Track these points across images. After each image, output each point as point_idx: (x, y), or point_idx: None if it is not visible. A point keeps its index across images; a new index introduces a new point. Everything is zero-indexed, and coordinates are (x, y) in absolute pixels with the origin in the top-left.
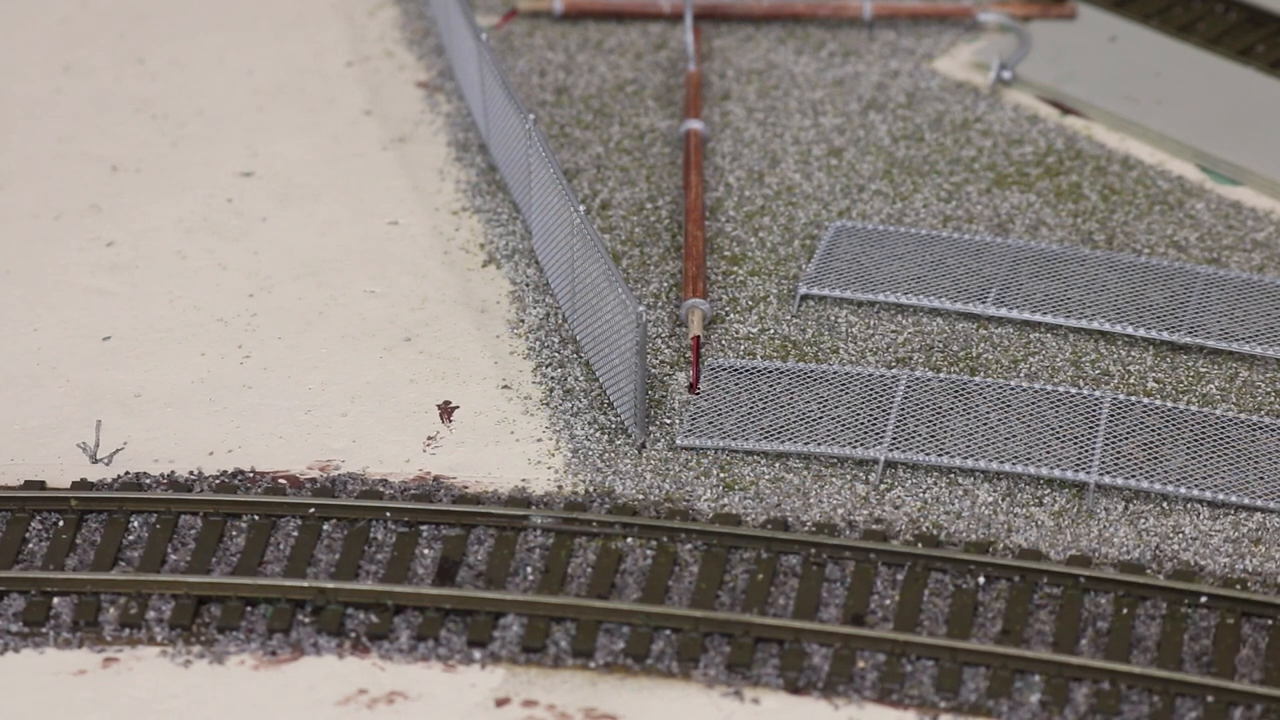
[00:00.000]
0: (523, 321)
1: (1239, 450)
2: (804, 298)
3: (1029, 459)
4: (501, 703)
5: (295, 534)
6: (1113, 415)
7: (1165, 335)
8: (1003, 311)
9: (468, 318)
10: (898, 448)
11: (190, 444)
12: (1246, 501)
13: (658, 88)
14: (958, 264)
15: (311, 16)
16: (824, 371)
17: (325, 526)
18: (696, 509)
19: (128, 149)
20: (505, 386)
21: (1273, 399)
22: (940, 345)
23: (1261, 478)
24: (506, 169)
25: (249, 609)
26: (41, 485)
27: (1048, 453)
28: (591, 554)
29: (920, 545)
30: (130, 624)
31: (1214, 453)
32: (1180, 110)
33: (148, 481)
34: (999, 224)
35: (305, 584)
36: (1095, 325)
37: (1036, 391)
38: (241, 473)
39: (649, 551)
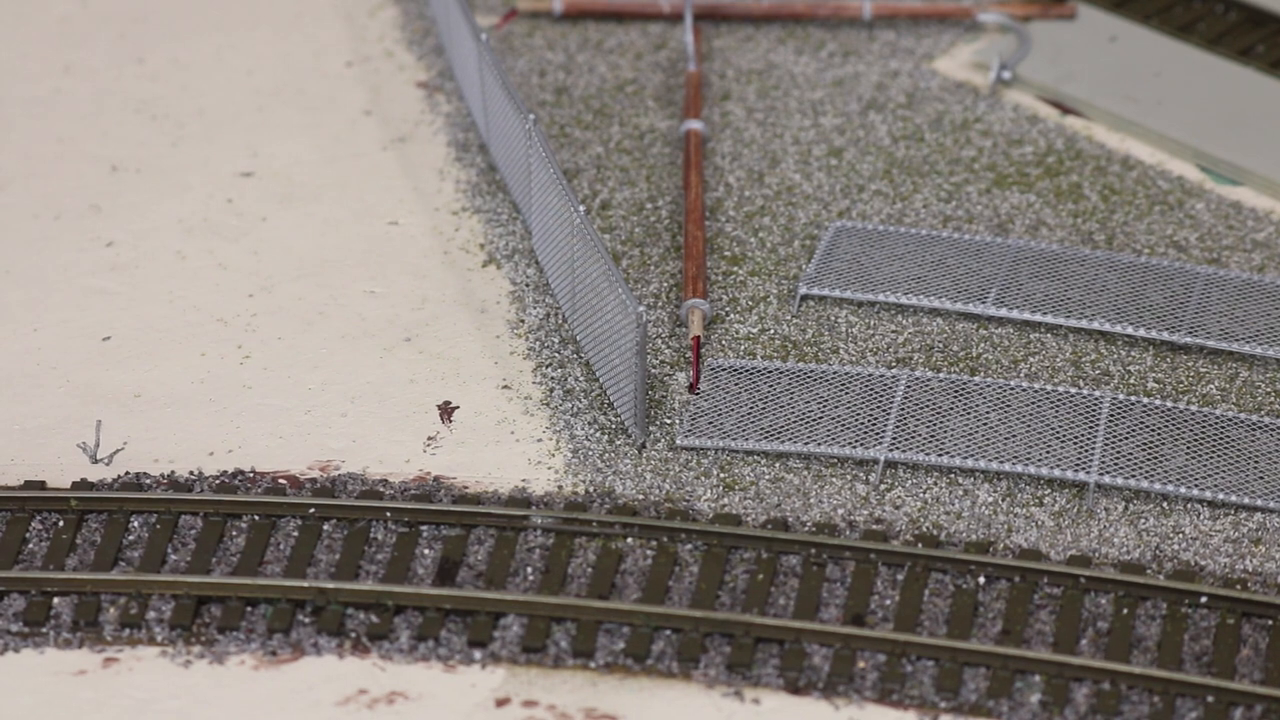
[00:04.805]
0: (523, 321)
1: (1239, 450)
2: (804, 298)
3: (1029, 459)
4: (501, 703)
5: (295, 534)
6: (1113, 415)
7: (1165, 335)
8: (1003, 311)
9: (468, 318)
10: (898, 448)
11: (190, 444)
12: (1246, 501)
13: (658, 88)
14: (958, 264)
15: (311, 16)
16: (824, 371)
17: (325, 526)
18: (696, 509)
19: (128, 149)
20: (505, 386)
21: (1273, 399)
22: (940, 345)
23: (1261, 478)
24: (506, 169)
25: (249, 609)
26: (41, 485)
27: (1048, 453)
28: (591, 554)
29: (920, 545)
30: (130, 624)
31: (1214, 453)
32: (1180, 110)
33: (148, 481)
34: (999, 224)
35: (305, 584)
36: (1095, 325)
37: (1036, 391)
38: (241, 473)
39: (649, 551)
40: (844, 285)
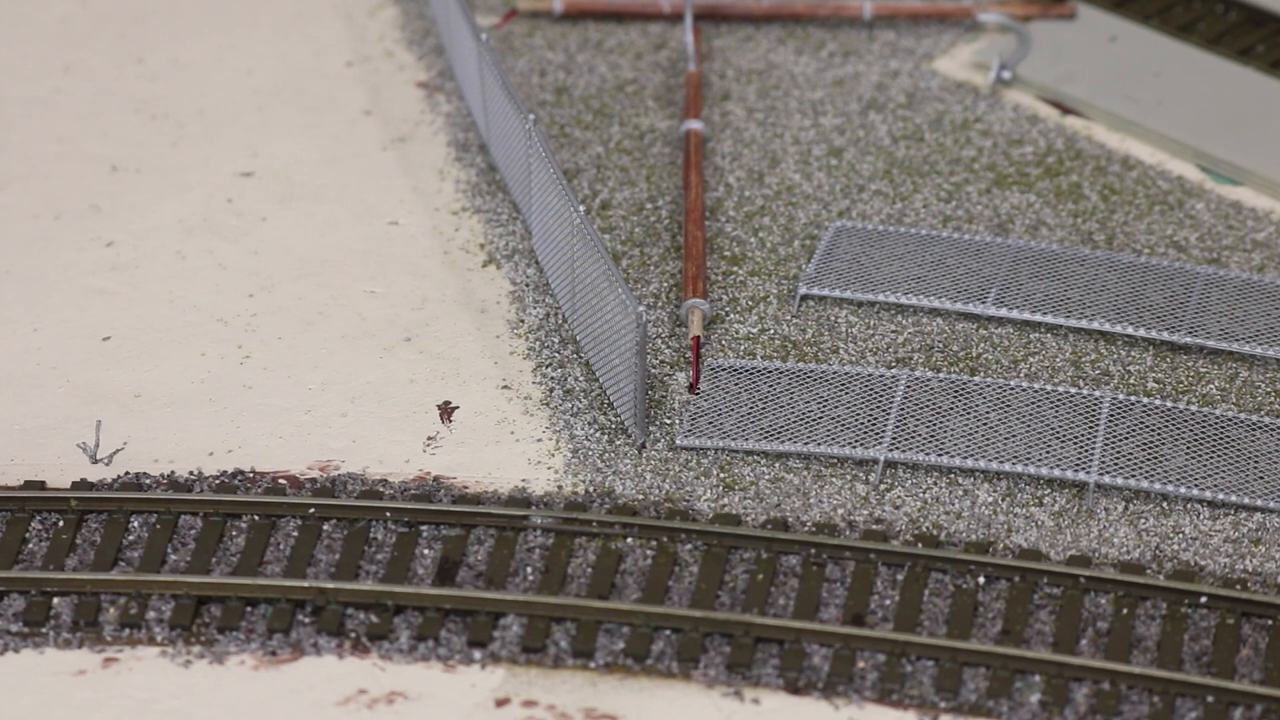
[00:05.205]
0: (523, 321)
1: (1239, 450)
2: (804, 298)
3: (1029, 459)
4: (501, 703)
5: (295, 534)
6: (1113, 415)
7: (1165, 335)
8: (1003, 311)
9: (468, 318)
10: (898, 448)
11: (190, 444)
12: (1246, 501)
13: (658, 88)
14: (958, 264)
15: (311, 16)
16: (824, 371)
17: (325, 526)
18: (696, 509)
19: (128, 149)
20: (505, 386)
21: (1273, 399)
22: (940, 345)
23: (1261, 478)
24: (506, 169)
25: (249, 609)
26: (41, 485)
27: (1048, 453)
28: (591, 554)
29: (920, 545)
30: (130, 624)
31: (1214, 453)
32: (1180, 110)
33: (148, 481)
34: (999, 224)
35: (305, 584)
36: (1095, 325)
37: (1036, 391)
38: (241, 473)
39: (649, 551)
40: (844, 285)
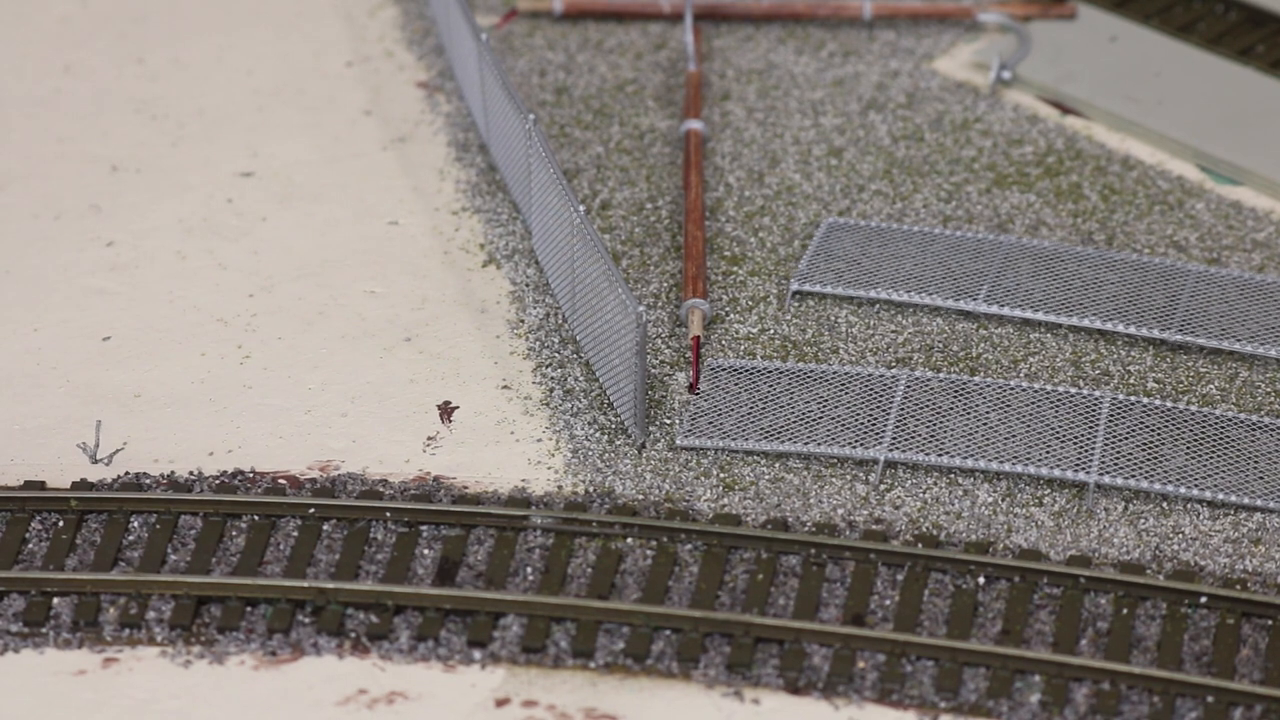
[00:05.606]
0: (523, 321)
1: (1239, 450)
2: (795, 294)
3: (1029, 459)
4: (501, 703)
5: (295, 534)
6: (1112, 415)
7: (1165, 335)
8: (1002, 311)
9: (468, 318)
10: (898, 448)
11: (190, 444)
12: (1246, 501)
13: (658, 88)
14: (954, 261)
15: (311, 16)
16: (824, 371)
17: (325, 527)
18: (696, 509)
19: (128, 149)
20: (505, 386)
21: (1273, 399)
22: (940, 345)
23: (1261, 478)
24: (506, 169)
25: (249, 609)
26: (41, 485)
27: (1048, 453)
28: (591, 554)
29: (920, 545)
30: (130, 624)
31: (1214, 453)
32: (1180, 110)
33: (148, 481)
34: (999, 224)
35: (305, 584)
36: (1095, 325)
37: (1036, 391)
38: (241, 473)
39: (649, 552)
40: (836, 282)
